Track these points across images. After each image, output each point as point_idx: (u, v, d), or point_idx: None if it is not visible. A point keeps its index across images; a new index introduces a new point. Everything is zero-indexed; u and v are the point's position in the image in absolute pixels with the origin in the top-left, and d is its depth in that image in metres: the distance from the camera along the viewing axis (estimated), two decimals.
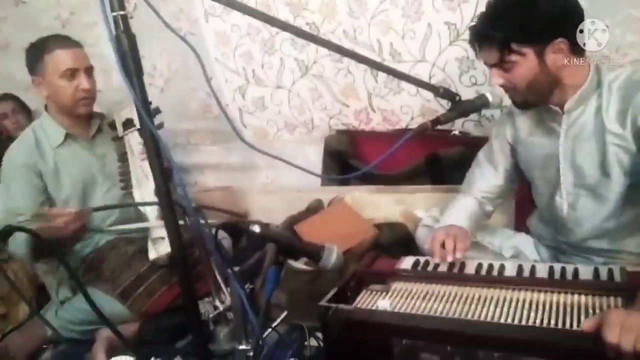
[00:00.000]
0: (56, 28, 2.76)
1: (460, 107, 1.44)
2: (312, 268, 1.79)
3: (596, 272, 1.26)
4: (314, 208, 2.34)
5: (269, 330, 1.44)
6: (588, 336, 0.96)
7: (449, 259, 1.39)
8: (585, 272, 1.27)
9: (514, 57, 1.32)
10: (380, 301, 1.22)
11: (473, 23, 1.42)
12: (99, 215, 1.93)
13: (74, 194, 1.92)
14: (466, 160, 1.84)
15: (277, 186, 2.80)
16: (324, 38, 1.90)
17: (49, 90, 1.87)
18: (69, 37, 1.91)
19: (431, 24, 2.07)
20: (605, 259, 1.47)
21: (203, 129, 2.90)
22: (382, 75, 2.28)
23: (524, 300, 1.16)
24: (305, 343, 1.60)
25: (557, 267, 1.31)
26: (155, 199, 1.17)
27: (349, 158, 2.46)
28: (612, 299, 1.12)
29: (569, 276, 1.27)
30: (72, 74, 1.84)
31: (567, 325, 1.05)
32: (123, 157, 1.97)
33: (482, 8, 1.41)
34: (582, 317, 1.07)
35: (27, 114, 2.93)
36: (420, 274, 1.38)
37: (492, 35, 1.32)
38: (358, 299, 1.27)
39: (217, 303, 1.66)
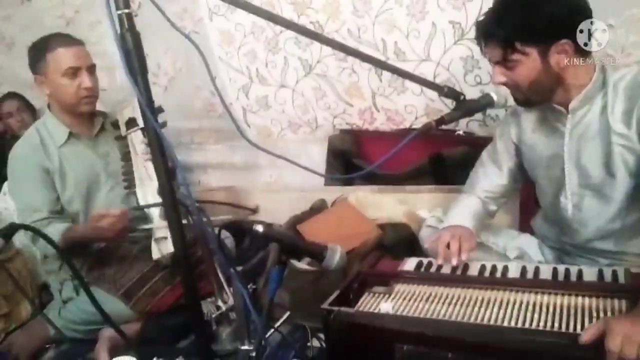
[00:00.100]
0: (60, 27, 2.77)
1: (464, 107, 1.43)
2: (315, 268, 1.78)
3: (600, 274, 1.25)
4: (318, 208, 2.34)
5: (272, 330, 1.44)
6: (590, 345, 0.95)
7: (454, 262, 1.38)
8: (590, 274, 1.26)
9: (517, 56, 1.31)
10: (383, 304, 1.21)
11: (481, 18, 1.41)
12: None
13: (78, 193, 1.92)
14: (470, 160, 1.83)
15: (280, 185, 2.79)
16: (328, 37, 1.89)
17: (51, 89, 1.87)
18: (71, 36, 1.91)
19: (436, 23, 2.07)
20: (609, 260, 1.46)
21: (207, 128, 2.90)
22: (386, 75, 2.28)
23: (528, 303, 1.16)
24: (308, 344, 1.60)
25: (561, 268, 1.31)
26: (159, 199, 1.17)
27: (353, 158, 2.45)
28: (616, 301, 1.11)
29: (573, 278, 1.26)
30: (74, 72, 1.84)
31: (571, 329, 1.04)
32: (126, 156, 1.97)
33: (486, 7, 1.40)
34: (586, 320, 1.06)
35: (32, 112, 2.94)
36: (423, 276, 1.37)
37: (497, 33, 1.32)
38: (361, 301, 1.27)
39: (220, 303, 1.66)
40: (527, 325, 1.08)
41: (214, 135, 2.91)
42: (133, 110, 1.96)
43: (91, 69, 1.89)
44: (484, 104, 1.44)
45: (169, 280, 1.83)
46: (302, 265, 1.83)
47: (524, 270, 1.32)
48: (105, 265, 1.90)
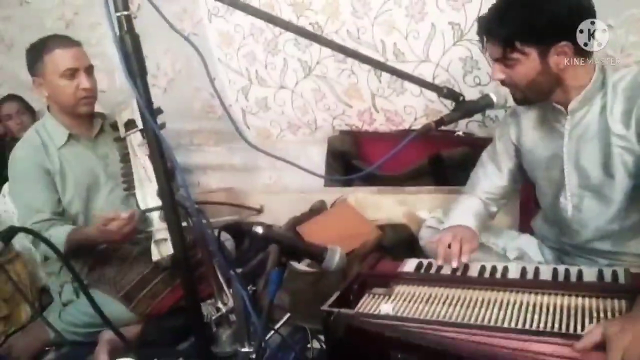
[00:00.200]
0: (60, 28, 2.77)
1: (464, 108, 1.43)
2: (315, 269, 1.78)
3: (600, 274, 1.25)
4: (317, 209, 2.34)
5: (272, 332, 1.44)
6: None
7: (454, 264, 1.38)
8: (589, 274, 1.26)
9: (516, 55, 1.32)
10: (383, 305, 1.21)
11: (483, 15, 1.41)
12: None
13: (78, 195, 1.92)
14: (470, 161, 1.84)
15: (280, 187, 2.79)
16: (327, 38, 1.89)
17: (49, 90, 1.87)
18: (69, 37, 1.91)
19: (435, 24, 2.07)
20: (609, 260, 1.46)
21: (206, 129, 2.89)
22: (385, 76, 2.27)
23: (528, 303, 1.16)
24: (308, 345, 1.59)
25: (561, 268, 1.31)
26: (158, 200, 1.17)
27: (352, 159, 2.45)
28: (616, 301, 1.11)
29: (573, 278, 1.26)
30: (72, 73, 1.84)
31: (571, 329, 1.04)
32: (125, 158, 1.97)
33: (486, 8, 1.40)
34: (587, 320, 1.06)
35: (32, 114, 2.94)
36: (423, 277, 1.37)
37: (498, 31, 1.32)
38: (360, 302, 1.26)
39: (220, 305, 1.66)
40: (527, 326, 1.08)
41: (214, 137, 2.91)
42: (132, 111, 1.96)
43: (89, 70, 1.89)
44: (483, 104, 1.44)
45: (169, 282, 1.83)
46: (302, 266, 1.83)
47: (524, 271, 1.32)
48: (105, 267, 1.90)
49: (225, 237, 2.03)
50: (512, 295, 1.20)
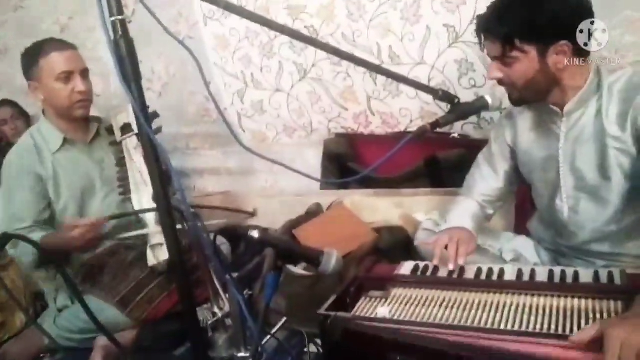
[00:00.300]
0: (55, 33, 2.77)
1: (459, 110, 1.44)
2: (312, 273, 1.78)
3: (596, 275, 1.25)
4: (314, 212, 2.33)
5: (268, 337, 1.43)
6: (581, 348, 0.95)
7: (451, 266, 1.38)
8: (586, 275, 1.26)
9: (515, 54, 1.31)
10: (380, 308, 1.21)
11: (481, 13, 1.40)
12: None
13: (73, 200, 1.91)
14: (466, 163, 1.84)
15: (276, 190, 2.79)
16: (322, 41, 1.89)
17: (45, 94, 1.87)
18: (64, 41, 1.91)
19: (430, 26, 2.07)
20: (606, 262, 1.46)
21: (202, 133, 2.89)
22: (381, 78, 2.28)
23: (525, 305, 1.15)
24: (305, 349, 1.59)
25: (557, 270, 1.31)
26: (154, 205, 1.16)
27: (348, 161, 2.45)
28: (612, 302, 1.11)
29: (569, 279, 1.26)
30: (67, 76, 1.83)
31: (568, 331, 1.04)
32: (121, 162, 1.96)
33: (480, 10, 1.41)
34: (583, 322, 1.06)
35: (26, 119, 2.93)
36: (419, 280, 1.37)
37: (497, 29, 1.31)
38: (357, 305, 1.26)
39: (216, 309, 1.65)
40: (523, 328, 1.07)
41: (209, 141, 2.90)
42: (128, 115, 1.95)
43: (84, 73, 1.88)
44: (479, 106, 1.45)
45: (165, 287, 1.82)
46: (299, 270, 1.82)
47: (520, 273, 1.32)
48: (101, 272, 1.88)
49: (221, 241, 2.02)
50: (508, 297, 1.20)
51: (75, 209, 1.91)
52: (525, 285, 1.25)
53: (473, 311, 1.16)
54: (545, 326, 1.06)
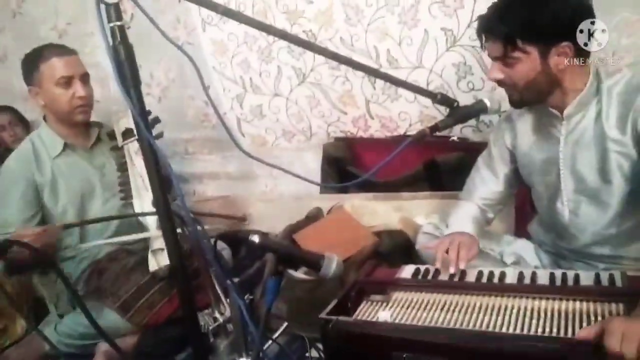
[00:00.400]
0: (53, 38, 2.76)
1: (458, 113, 1.43)
2: (312, 277, 1.77)
3: (597, 278, 1.25)
4: (314, 216, 2.33)
5: (270, 342, 1.43)
6: (588, 345, 0.95)
7: (452, 270, 1.38)
8: (587, 278, 1.26)
9: (517, 54, 1.31)
10: (381, 312, 1.21)
11: (482, 13, 1.39)
12: (96, 227, 1.91)
13: (72, 204, 1.91)
14: (465, 166, 1.84)
15: (276, 194, 2.79)
16: (320, 46, 1.89)
17: (45, 99, 1.87)
18: (64, 46, 1.92)
19: (428, 30, 2.08)
20: (607, 264, 1.46)
21: (201, 137, 2.89)
22: (379, 82, 2.28)
23: (526, 308, 1.15)
24: (307, 354, 1.58)
25: (558, 273, 1.31)
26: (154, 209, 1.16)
27: (348, 165, 2.45)
28: (613, 305, 1.11)
29: (570, 282, 1.26)
30: (67, 81, 1.84)
31: (569, 334, 1.04)
32: (122, 167, 1.96)
33: (478, 13, 1.41)
34: (584, 325, 1.06)
35: (25, 126, 2.92)
36: (420, 283, 1.37)
37: (499, 29, 1.31)
38: (359, 310, 1.26)
39: (217, 315, 1.64)
40: (525, 331, 1.07)
41: (209, 145, 2.90)
42: (130, 120, 1.96)
43: (84, 78, 1.89)
44: (478, 110, 1.44)
45: (166, 292, 1.82)
46: (299, 274, 1.82)
47: (521, 276, 1.32)
48: (102, 277, 1.88)
49: (221, 246, 2.02)
50: (509, 300, 1.20)
51: (75, 213, 1.91)
52: (526, 288, 1.25)
53: (474, 314, 1.16)
54: (547, 329, 1.07)
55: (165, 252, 1.69)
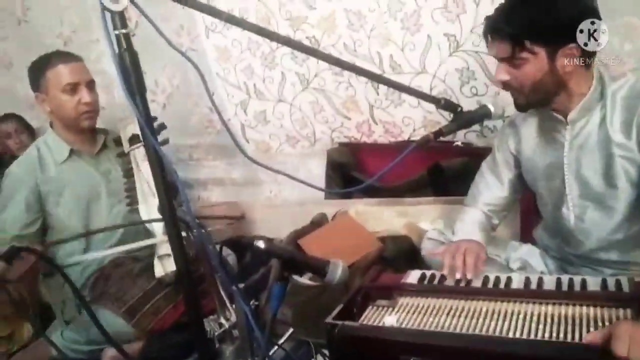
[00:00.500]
0: (58, 46, 2.78)
1: (462, 119, 1.43)
2: (318, 283, 1.77)
3: (604, 283, 1.24)
4: (318, 222, 2.33)
5: (275, 347, 1.43)
6: (596, 349, 0.94)
7: (458, 275, 1.38)
8: (593, 283, 1.26)
9: (525, 55, 1.30)
10: (387, 317, 1.21)
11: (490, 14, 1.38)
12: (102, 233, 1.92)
13: (77, 210, 1.92)
14: (469, 171, 1.84)
15: (280, 200, 2.79)
16: (324, 52, 1.90)
17: (52, 106, 1.89)
18: (70, 53, 1.95)
19: (430, 35, 2.08)
20: (613, 270, 1.45)
21: (205, 144, 2.90)
22: (383, 88, 2.29)
23: (532, 313, 1.15)
24: None
25: (565, 278, 1.30)
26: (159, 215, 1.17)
27: (352, 171, 2.46)
28: (620, 310, 1.10)
29: (577, 287, 1.26)
30: (73, 88, 1.86)
31: (576, 339, 1.03)
32: (128, 173, 1.97)
33: (481, 19, 1.41)
34: (591, 330, 1.05)
35: (31, 133, 2.94)
36: (427, 288, 1.36)
37: (506, 29, 1.30)
38: (364, 315, 1.26)
39: (223, 320, 1.64)
40: (531, 336, 1.07)
41: (213, 151, 2.91)
42: (136, 126, 1.97)
43: (90, 85, 1.91)
44: (481, 115, 1.44)
45: (171, 298, 1.82)
46: (305, 280, 1.82)
47: (527, 281, 1.31)
48: (108, 283, 1.89)
49: (227, 251, 2.02)
50: (516, 306, 1.19)
51: (80, 219, 1.92)
52: (532, 293, 1.24)
53: (481, 319, 1.16)
54: (554, 334, 1.06)
55: (172, 258, 1.70)
